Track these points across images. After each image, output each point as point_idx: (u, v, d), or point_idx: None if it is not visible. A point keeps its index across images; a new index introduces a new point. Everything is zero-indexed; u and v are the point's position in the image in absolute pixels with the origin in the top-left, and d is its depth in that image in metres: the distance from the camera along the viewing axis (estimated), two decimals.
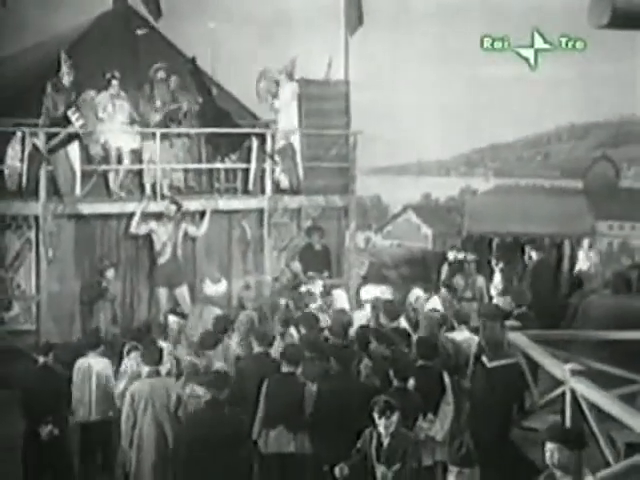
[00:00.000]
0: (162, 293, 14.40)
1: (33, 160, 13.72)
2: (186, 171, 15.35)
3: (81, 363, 10.25)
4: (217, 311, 12.44)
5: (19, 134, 13.75)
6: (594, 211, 18.64)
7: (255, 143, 15.51)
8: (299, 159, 15.88)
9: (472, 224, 17.53)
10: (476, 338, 10.91)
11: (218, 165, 15.61)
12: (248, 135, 15.69)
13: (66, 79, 14.31)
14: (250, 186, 15.61)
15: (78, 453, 10.32)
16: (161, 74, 15.15)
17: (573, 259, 16.98)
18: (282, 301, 13.07)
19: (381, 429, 7.74)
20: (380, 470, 7.75)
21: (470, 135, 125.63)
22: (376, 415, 7.74)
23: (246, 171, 15.63)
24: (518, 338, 9.83)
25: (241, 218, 15.53)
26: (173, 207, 14.34)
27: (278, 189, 15.79)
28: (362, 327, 11.02)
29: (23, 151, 13.74)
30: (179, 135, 15.19)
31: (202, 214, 14.92)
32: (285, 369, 9.44)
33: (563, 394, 8.58)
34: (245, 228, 15.51)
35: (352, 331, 11.00)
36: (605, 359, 9.54)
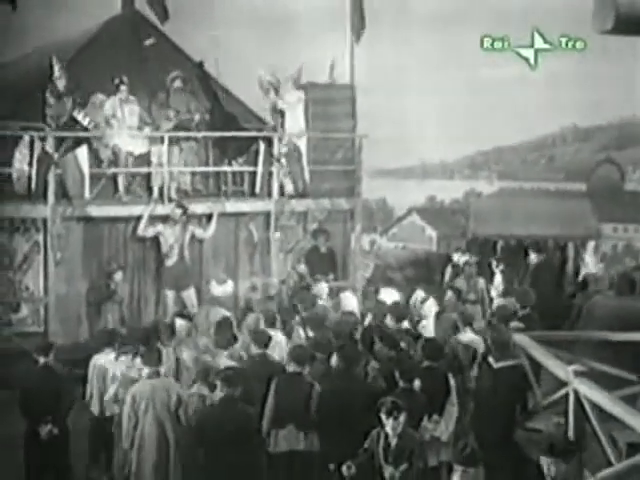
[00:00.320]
0: (169, 295, 14.48)
1: (42, 163, 13.83)
2: (194, 174, 15.43)
3: (97, 359, 10.39)
4: (223, 312, 12.54)
5: (27, 138, 13.87)
6: (598, 213, 18.69)
7: (262, 146, 15.59)
8: (305, 162, 15.97)
9: (476, 226, 17.61)
10: (480, 340, 11.02)
11: (225, 168, 15.69)
12: (255, 139, 15.76)
13: (60, 83, 14.34)
14: (257, 189, 15.69)
15: (87, 452, 10.43)
16: (177, 83, 15.27)
17: (577, 261, 17.05)
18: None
19: (388, 429, 7.83)
20: (388, 470, 7.84)
21: (474, 138, 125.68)
22: (384, 415, 7.84)
23: (253, 174, 15.71)
24: (522, 339, 9.91)
25: (248, 221, 15.60)
26: (179, 211, 14.42)
27: (284, 192, 15.87)
28: (366, 328, 11.10)
29: (31, 154, 13.85)
30: (187, 139, 15.28)
31: (209, 217, 14.99)
32: (292, 369, 9.54)
33: (566, 395, 8.63)
34: (252, 231, 15.61)
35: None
36: (608, 360, 9.62)
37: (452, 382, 9.68)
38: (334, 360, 9.63)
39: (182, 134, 15.16)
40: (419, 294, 13.39)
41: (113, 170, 14.73)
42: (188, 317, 11.40)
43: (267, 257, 15.67)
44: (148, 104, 15.28)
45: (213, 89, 15.93)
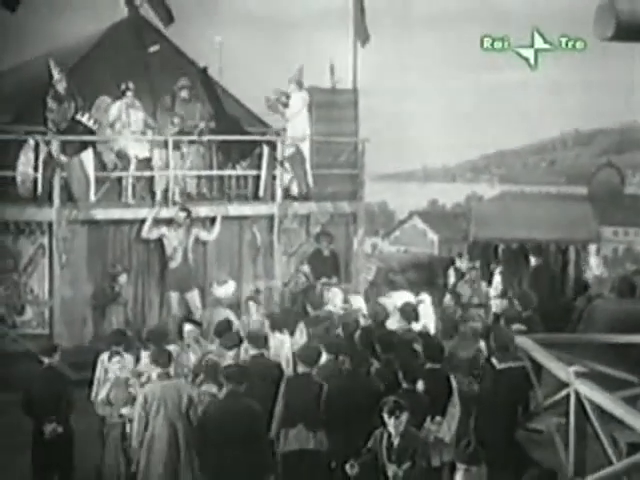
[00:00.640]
0: (173, 297, 14.56)
1: (47, 167, 13.92)
2: (198, 178, 15.52)
3: (104, 357, 10.43)
4: (227, 313, 12.62)
5: (32, 141, 13.96)
6: (599, 217, 18.67)
7: (266, 150, 15.65)
8: (308, 166, 16.05)
9: (478, 230, 17.65)
10: (481, 342, 11.11)
11: (229, 172, 15.78)
12: (259, 142, 15.86)
13: (60, 86, 14.41)
14: (260, 192, 15.77)
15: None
16: (184, 94, 15.40)
17: (578, 264, 17.10)
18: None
19: (391, 429, 7.91)
20: (391, 469, 7.92)
21: (476, 142, 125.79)
22: (386, 415, 7.90)
23: (257, 178, 15.78)
24: (524, 341, 9.98)
25: (251, 224, 15.68)
26: (182, 214, 14.48)
27: (288, 195, 15.94)
28: (363, 329, 11.09)
29: (36, 158, 13.93)
30: (192, 142, 15.37)
31: (213, 220, 15.07)
32: (301, 369, 9.62)
33: (567, 396, 8.69)
34: (255, 234, 15.69)
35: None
36: (609, 362, 9.69)
37: (454, 383, 9.75)
38: (342, 360, 9.70)
39: (186, 138, 15.26)
40: (420, 297, 13.44)
41: (118, 174, 14.81)
42: (195, 322, 11.46)
43: (270, 260, 15.74)
44: (153, 109, 15.38)
45: (217, 94, 16.02)
